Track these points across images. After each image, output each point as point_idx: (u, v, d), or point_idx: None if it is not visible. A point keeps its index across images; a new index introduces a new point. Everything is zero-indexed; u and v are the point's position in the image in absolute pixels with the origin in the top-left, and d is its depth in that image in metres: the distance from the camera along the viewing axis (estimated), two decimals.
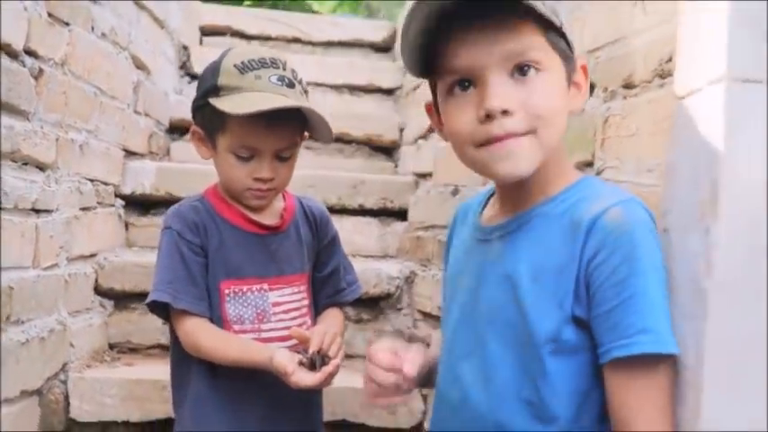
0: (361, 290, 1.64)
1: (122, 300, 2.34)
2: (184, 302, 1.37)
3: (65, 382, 1.96)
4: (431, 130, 2.67)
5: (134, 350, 2.31)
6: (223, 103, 1.35)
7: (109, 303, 2.32)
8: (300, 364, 1.28)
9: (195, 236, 1.41)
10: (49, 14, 1.87)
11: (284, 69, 1.40)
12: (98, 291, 2.28)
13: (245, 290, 1.42)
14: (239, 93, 1.35)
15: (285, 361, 1.27)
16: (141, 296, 2.30)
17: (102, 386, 1.98)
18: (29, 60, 1.77)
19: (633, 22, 1.40)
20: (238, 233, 1.44)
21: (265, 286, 1.43)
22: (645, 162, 1.28)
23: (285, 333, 1.41)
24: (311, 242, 1.53)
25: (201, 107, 1.42)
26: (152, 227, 2.67)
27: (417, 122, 2.94)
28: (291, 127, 1.40)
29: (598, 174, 1.48)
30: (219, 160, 1.43)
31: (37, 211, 1.84)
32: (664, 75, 1.27)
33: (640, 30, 1.37)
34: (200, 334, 1.38)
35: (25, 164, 1.78)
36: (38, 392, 1.87)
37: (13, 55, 1.69)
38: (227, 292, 1.41)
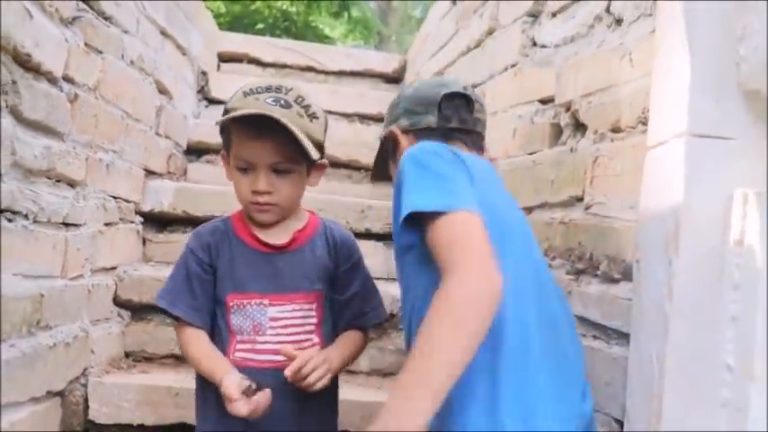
0: (384, 315, 1.64)
1: (139, 311, 2.46)
2: (179, 310, 1.54)
3: (85, 386, 2.08)
4: None
5: (149, 359, 2.43)
6: (219, 118, 1.52)
7: (126, 314, 2.45)
8: (243, 392, 1.38)
9: (205, 255, 1.56)
10: (86, 44, 2.02)
11: (286, 94, 1.49)
12: (117, 302, 2.41)
13: (245, 303, 1.54)
14: (237, 111, 1.48)
15: (230, 389, 1.38)
16: (157, 308, 2.43)
17: (120, 391, 2.10)
18: (66, 86, 1.91)
19: (621, 72, 1.54)
20: (247, 250, 1.56)
21: (265, 301, 1.53)
22: (627, 200, 1.41)
23: (279, 345, 1.49)
24: (328, 265, 1.57)
25: (220, 131, 1.58)
26: (168, 243, 2.81)
27: None
28: (281, 142, 1.44)
29: (587, 209, 1.60)
30: (231, 177, 1.55)
31: (67, 225, 1.97)
32: (646, 122, 1.39)
33: (627, 80, 1.51)
34: (187, 343, 1.54)
35: (59, 181, 1.91)
36: (60, 394, 1.99)
37: (53, 81, 1.83)
38: (231, 304, 1.54)
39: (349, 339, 1.59)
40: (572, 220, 1.65)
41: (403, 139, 1.52)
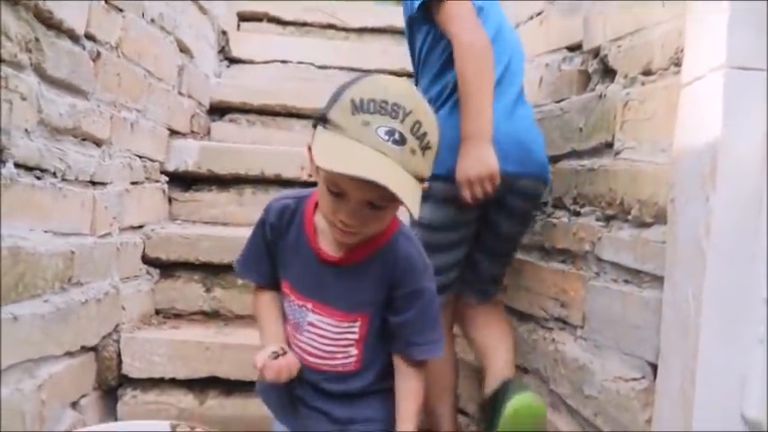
0: (436, 353, 1.45)
1: (168, 269, 2.49)
2: (250, 276, 1.57)
3: (117, 342, 2.11)
4: None
5: (178, 315, 2.46)
6: (321, 139, 1.28)
7: (155, 272, 2.47)
8: (270, 357, 1.41)
9: (270, 232, 1.49)
10: (107, 1, 2.01)
11: (402, 121, 1.23)
12: (145, 260, 2.43)
13: (291, 298, 1.49)
14: (341, 134, 1.24)
15: (256, 358, 1.41)
16: (185, 265, 2.47)
17: (152, 346, 2.13)
18: (88, 44, 1.90)
19: (652, 14, 1.50)
20: (306, 249, 1.46)
21: (308, 305, 1.47)
22: (659, 143, 1.38)
23: (312, 350, 1.46)
24: (383, 286, 1.42)
25: (314, 127, 1.34)
26: (193, 202, 2.82)
27: None
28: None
29: (617, 154, 1.58)
30: (318, 183, 1.35)
31: (94, 183, 1.98)
32: (679, 63, 1.36)
33: (658, 21, 1.47)
34: (256, 307, 1.57)
35: (84, 139, 1.91)
36: (94, 349, 2.02)
37: (75, 39, 1.82)
38: (284, 290, 1.52)
39: (404, 398, 1.46)
40: (602, 166, 1.63)
41: None
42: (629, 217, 1.46)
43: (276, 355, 1.42)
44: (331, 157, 1.22)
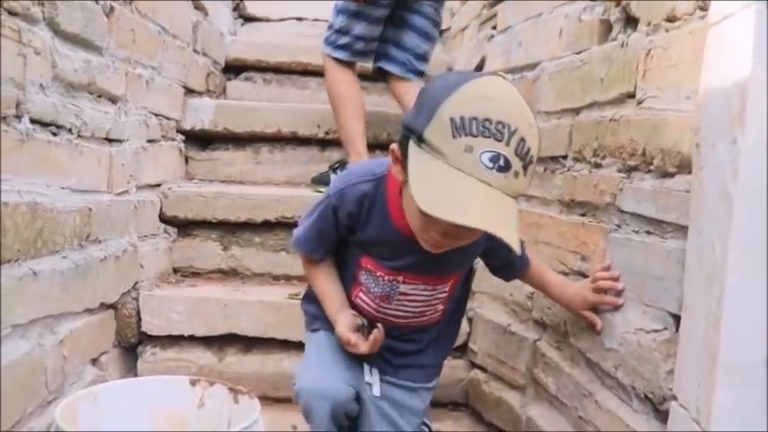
0: (524, 255, 1.60)
1: (185, 227, 2.49)
2: (315, 255, 1.60)
3: (136, 299, 2.13)
4: (479, 68, 2.73)
5: (196, 274, 2.47)
6: (418, 163, 1.20)
7: (173, 230, 2.48)
8: (357, 331, 1.52)
9: (345, 219, 1.49)
10: None
11: (508, 143, 1.16)
12: (163, 218, 2.44)
13: (378, 274, 1.52)
14: (440, 159, 1.16)
15: (346, 334, 1.50)
16: (202, 224, 2.47)
17: (171, 303, 2.15)
18: None
19: None
20: (394, 232, 1.44)
21: (399, 278, 1.50)
22: (684, 90, 1.35)
23: (400, 314, 1.57)
24: (477, 251, 1.58)
25: (405, 138, 1.26)
26: (210, 161, 2.82)
27: (465, 62, 3.00)
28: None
29: (639, 104, 1.54)
30: (407, 193, 1.31)
31: (110, 141, 1.98)
32: (705, 7, 1.32)
33: None
34: (315, 271, 1.62)
35: (99, 96, 1.90)
36: (113, 306, 2.03)
37: None
38: (364, 266, 1.53)
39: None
40: (623, 116, 1.59)
41: None
42: (652, 167, 1.43)
43: (361, 329, 1.53)
44: (432, 196, 1.15)
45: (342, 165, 2.65)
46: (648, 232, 1.39)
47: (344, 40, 2.60)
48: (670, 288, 1.23)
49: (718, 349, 0.90)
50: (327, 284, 1.60)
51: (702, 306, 0.96)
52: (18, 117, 1.49)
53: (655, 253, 1.32)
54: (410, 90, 2.67)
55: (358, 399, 1.57)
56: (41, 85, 1.57)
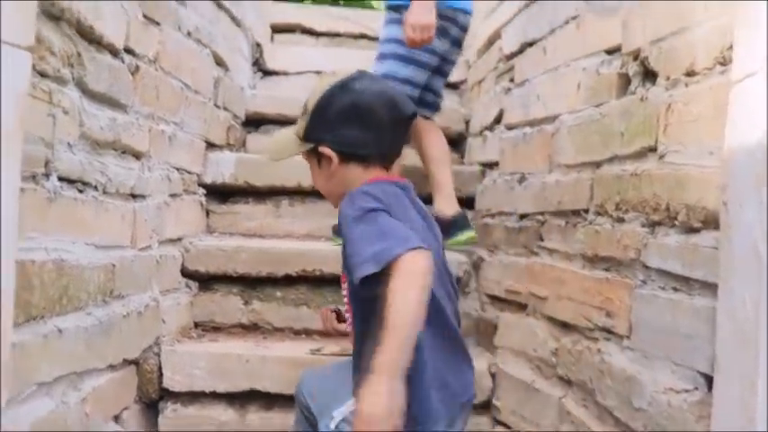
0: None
1: (206, 281, 2.50)
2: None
3: (158, 355, 2.12)
4: (497, 121, 2.76)
5: (217, 328, 2.47)
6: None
7: (194, 284, 2.49)
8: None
9: None
10: (144, 15, 2.03)
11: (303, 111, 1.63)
12: (184, 273, 2.45)
13: None
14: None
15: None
16: (223, 278, 2.48)
17: (192, 359, 2.14)
18: (127, 58, 1.92)
19: (694, 14, 1.47)
20: None
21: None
22: (707, 145, 1.35)
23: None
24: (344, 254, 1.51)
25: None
26: (231, 214, 2.84)
27: (482, 114, 3.02)
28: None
29: (661, 158, 1.54)
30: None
31: (134, 196, 2.00)
32: (725, 62, 1.33)
33: (701, 21, 1.44)
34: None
35: (124, 152, 1.93)
36: (135, 362, 2.03)
37: (115, 53, 1.84)
38: None
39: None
40: (645, 171, 1.59)
41: None
42: (676, 222, 1.42)
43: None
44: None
45: None
46: (675, 289, 1.38)
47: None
48: (700, 347, 1.21)
49: (756, 412, 0.88)
50: None
51: (737, 367, 0.95)
52: (46, 175, 1.51)
53: (683, 310, 1.31)
54: (432, 128, 2.76)
55: None
56: (69, 143, 1.60)
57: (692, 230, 1.36)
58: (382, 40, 2.70)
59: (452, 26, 2.66)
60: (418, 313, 1.26)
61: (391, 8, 2.66)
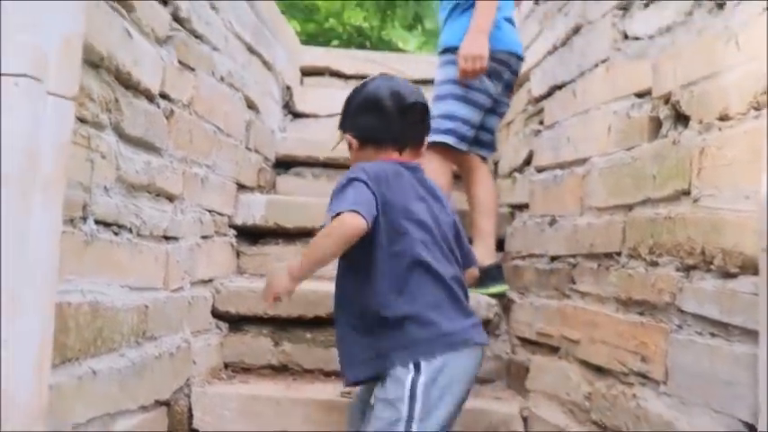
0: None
1: (237, 323, 2.51)
2: None
3: (188, 396, 2.13)
4: (527, 163, 2.76)
5: (247, 370, 2.47)
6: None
7: (224, 325, 2.50)
8: None
9: None
10: (179, 61, 2.08)
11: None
12: (215, 313, 2.46)
13: None
14: None
15: None
16: (253, 319, 2.49)
17: (222, 400, 2.14)
18: (162, 103, 1.96)
19: (726, 58, 1.47)
20: None
21: None
22: (742, 189, 1.34)
23: None
24: None
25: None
26: (261, 255, 2.86)
27: (511, 156, 3.03)
28: None
29: (695, 202, 1.53)
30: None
31: (167, 238, 2.02)
32: (759, 107, 1.33)
33: (734, 65, 1.44)
34: None
35: (158, 195, 1.96)
36: (167, 403, 2.03)
37: (151, 98, 1.88)
38: None
39: None
40: (679, 214, 1.58)
41: None
42: (712, 267, 1.41)
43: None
44: None
45: None
46: (713, 334, 1.36)
47: (449, 124, 2.64)
48: (741, 395, 1.19)
49: None
50: None
51: None
52: (84, 219, 1.54)
53: (722, 357, 1.29)
54: (484, 173, 2.80)
55: None
56: (106, 187, 1.63)
57: (728, 275, 1.34)
58: (438, 81, 2.73)
59: (506, 70, 2.70)
60: (327, 250, 1.69)
61: (446, 50, 2.70)
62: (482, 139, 2.79)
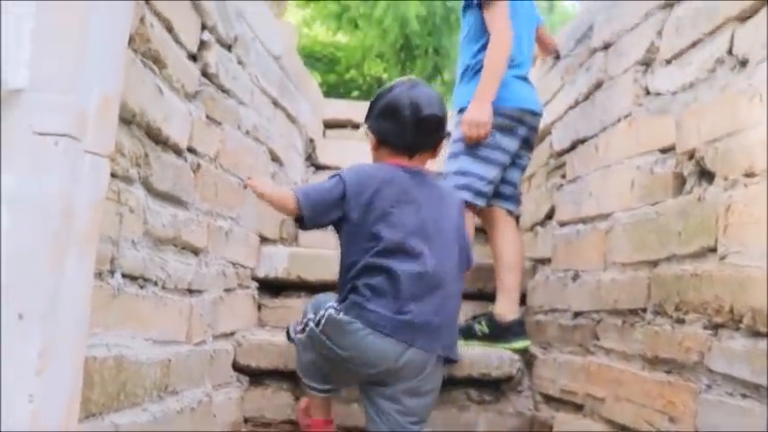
0: None
1: (257, 376, 2.49)
2: None
3: None
4: (548, 217, 2.76)
5: (267, 425, 2.45)
6: None
7: (245, 379, 2.48)
8: None
9: None
10: (207, 116, 2.11)
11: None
12: (236, 367, 2.45)
13: None
14: None
15: None
16: (274, 373, 2.47)
17: None
18: (190, 157, 1.99)
19: (751, 115, 1.47)
20: None
21: None
22: None
23: None
24: None
25: None
26: (283, 308, 2.85)
27: (533, 210, 3.03)
28: None
29: (722, 259, 1.52)
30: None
31: (191, 291, 2.03)
32: None
33: (758, 122, 1.44)
34: None
35: (183, 248, 1.98)
36: None
37: (179, 152, 1.91)
38: None
39: None
40: (705, 271, 1.57)
41: None
42: (741, 326, 1.39)
43: None
44: None
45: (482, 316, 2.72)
46: (744, 395, 1.34)
47: (463, 180, 2.66)
48: None
49: None
50: None
51: None
52: (111, 272, 1.55)
53: (755, 418, 1.27)
54: (510, 227, 2.80)
55: None
56: (133, 241, 1.65)
57: (758, 335, 1.33)
58: (453, 140, 2.75)
59: (520, 126, 2.71)
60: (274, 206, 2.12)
61: (462, 110, 2.73)
62: (504, 193, 2.79)
